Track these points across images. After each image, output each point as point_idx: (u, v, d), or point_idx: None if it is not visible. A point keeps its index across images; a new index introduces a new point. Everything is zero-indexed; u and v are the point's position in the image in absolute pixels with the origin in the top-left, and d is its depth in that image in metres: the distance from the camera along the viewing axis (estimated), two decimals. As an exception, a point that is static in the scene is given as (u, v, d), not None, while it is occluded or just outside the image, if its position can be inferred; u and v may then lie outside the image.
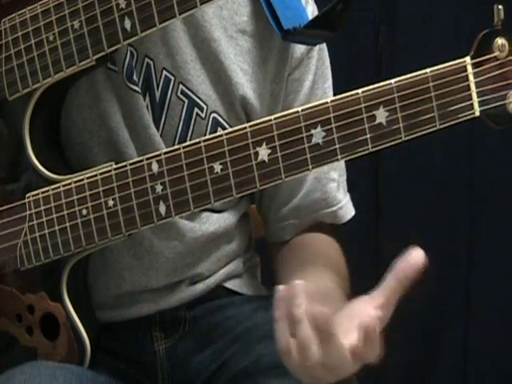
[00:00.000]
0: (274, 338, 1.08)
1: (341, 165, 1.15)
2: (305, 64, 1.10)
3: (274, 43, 1.08)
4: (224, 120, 1.06)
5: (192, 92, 1.05)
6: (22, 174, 1.01)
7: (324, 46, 1.13)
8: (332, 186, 1.13)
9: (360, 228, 1.94)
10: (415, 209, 2.03)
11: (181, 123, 1.05)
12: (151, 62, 1.04)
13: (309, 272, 1.03)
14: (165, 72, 1.04)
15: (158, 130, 1.04)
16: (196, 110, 1.05)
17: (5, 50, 0.99)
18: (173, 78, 1.04)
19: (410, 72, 0.88)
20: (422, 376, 2.08)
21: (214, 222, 1.09)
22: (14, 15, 0.98)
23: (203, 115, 1.06)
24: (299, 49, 1.09)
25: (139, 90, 1.02)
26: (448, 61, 0.87)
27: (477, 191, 2.03)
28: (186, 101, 1.05)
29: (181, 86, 1.05)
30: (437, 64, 0.88)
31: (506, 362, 2.06)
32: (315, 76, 1.12)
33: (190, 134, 1.05)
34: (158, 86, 1.04)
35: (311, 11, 1.11)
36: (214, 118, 1.06)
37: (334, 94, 1.13)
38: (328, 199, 1.13)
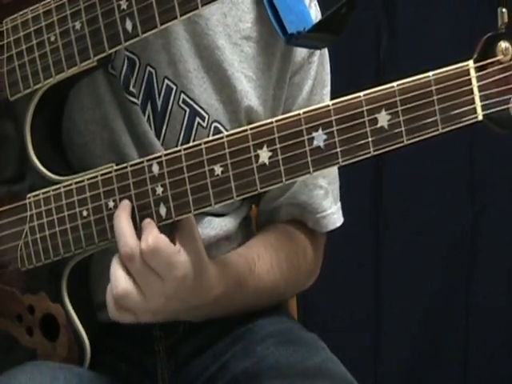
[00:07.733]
0: (276, 339, 1.08)
1: (332, 172, 1.15)
2: (305, 69, 1.10)
3: (277, 48, 1.07)
4: (225, 129, 1.06)
5: (194, 101, 1.05)
6: (26, 174, 1.01)
7: (325, 51, 1.13)
8: (318, 193, 1.13)
9: (361, 229, 1.95)
10: (416, 210, 2.02)
11: (182, 132, 1.05)
12: (153, 71, 1.03)
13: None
14: (166, 81, 1.04)
15: (159, 138, 1.04)
16: (197, 119, 1.05)
17: (6, 51, 0.99)
18: (174, 87, 1.04)
19: (411, 72, 0.87)
20: (422, 376, 2.08)
21: (215, 226, 1.09)
22: (15, 15, 0.98)
23: (205, 124, 1.05)
24: (300, 53, 1.09)
25: (137, 102, 1.02)
26: (448, 61, 0.86)
27: (478, 192, 2.03)
28: (188, 110, 1.05)
29: (182, 95, 1.04)
30: (438, 64, 0.86)
31: (507, 363, 2.06)
32: (314, 81, 1.11)
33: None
34: (159, 94, 1.04)
35: (314, 16, 1.11)
36: (215, 127, 1.06)
37: (336, 95, 1.13)
38: (313, 204, 1.13)
